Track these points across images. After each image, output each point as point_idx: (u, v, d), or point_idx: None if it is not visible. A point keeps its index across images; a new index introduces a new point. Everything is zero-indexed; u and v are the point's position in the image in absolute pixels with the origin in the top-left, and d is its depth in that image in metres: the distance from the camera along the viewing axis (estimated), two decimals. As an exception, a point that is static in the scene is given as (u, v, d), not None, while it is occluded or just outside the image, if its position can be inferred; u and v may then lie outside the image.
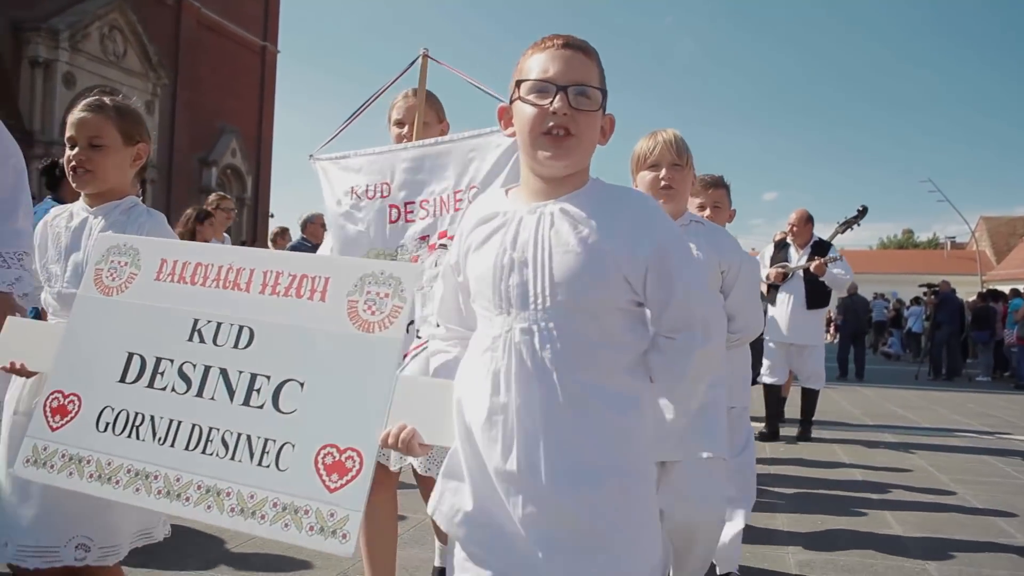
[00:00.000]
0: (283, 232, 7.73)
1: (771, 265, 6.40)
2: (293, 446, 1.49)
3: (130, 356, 1.66)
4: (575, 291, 1.35)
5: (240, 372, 1.57)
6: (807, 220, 6.40)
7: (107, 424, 1.62)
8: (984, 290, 18.72)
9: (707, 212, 3.12)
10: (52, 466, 1.62)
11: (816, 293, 6.30)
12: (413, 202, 2.34)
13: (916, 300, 19.48)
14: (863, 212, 6.73)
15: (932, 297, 15.88)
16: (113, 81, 18.98)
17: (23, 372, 1.78)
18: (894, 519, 4.09)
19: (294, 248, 9.94)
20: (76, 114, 2.02)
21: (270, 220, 26.89)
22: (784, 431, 6.56)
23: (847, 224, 6.71)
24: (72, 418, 1.65)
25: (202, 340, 1.62)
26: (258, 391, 1.55)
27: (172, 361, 1.63)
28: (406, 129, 2.53)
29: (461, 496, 1.41)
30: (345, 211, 2.41)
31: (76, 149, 2.01)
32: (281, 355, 1.56)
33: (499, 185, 2.18)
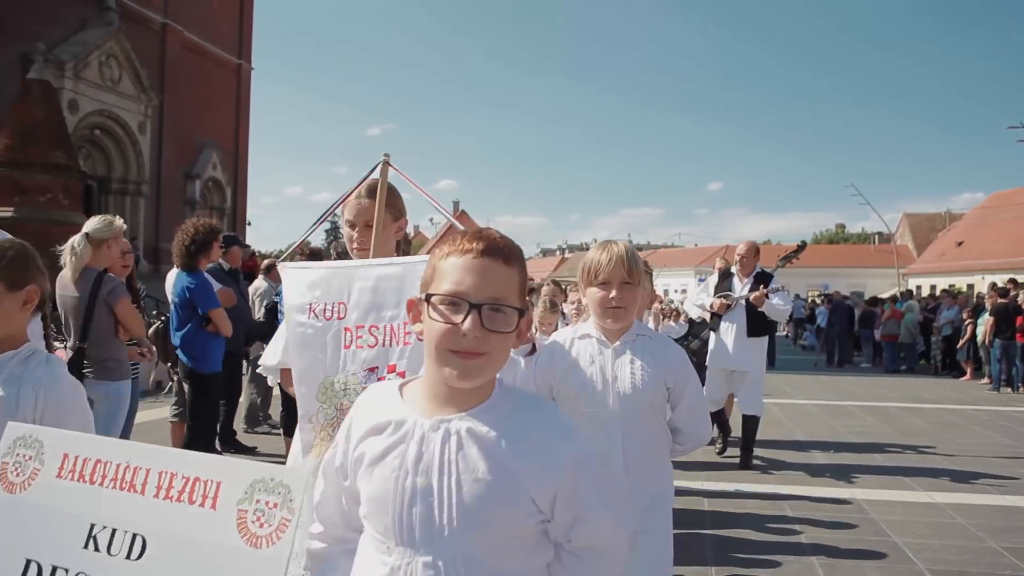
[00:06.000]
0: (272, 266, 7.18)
1: (715, 294, 6.82)
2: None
3: (28, 563, 1.60)
4: (484, 521, 1.25)
5: (133, 587, 1.51)
6: (755, 252, 6.81)
7: (6, 639, 1.57)
8: (898, 292, 24.50)
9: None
10: None
11: (757, 322, 6.65)
12: (363, 326, 2.22)
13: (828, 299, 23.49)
14: (802, 247, 7.65)
15: (828, 303, 21.36)
16: (111, 105, 20.45)
17: None
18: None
19: None
20: None
21: (247, 228, 27.89)
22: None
23: (787, 258, 7.34)
24: (-27, 630, 1.60)
25: (96, 548, 1.55)
26: (151, 610, 1.48)
27: (67, 571, 1.56)
28: (357, 231, 2.44)
29: None
30: (304, 331, 2.27)
31: None
32: (173, 570, 1.49)
33: None
